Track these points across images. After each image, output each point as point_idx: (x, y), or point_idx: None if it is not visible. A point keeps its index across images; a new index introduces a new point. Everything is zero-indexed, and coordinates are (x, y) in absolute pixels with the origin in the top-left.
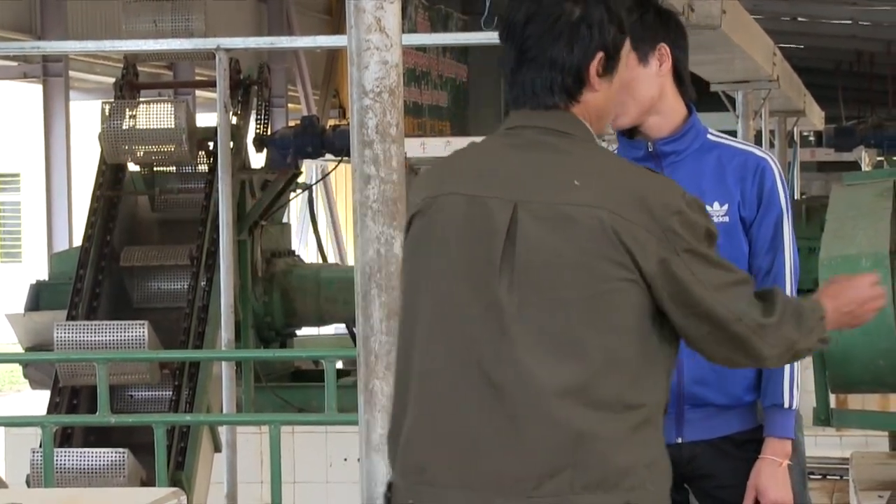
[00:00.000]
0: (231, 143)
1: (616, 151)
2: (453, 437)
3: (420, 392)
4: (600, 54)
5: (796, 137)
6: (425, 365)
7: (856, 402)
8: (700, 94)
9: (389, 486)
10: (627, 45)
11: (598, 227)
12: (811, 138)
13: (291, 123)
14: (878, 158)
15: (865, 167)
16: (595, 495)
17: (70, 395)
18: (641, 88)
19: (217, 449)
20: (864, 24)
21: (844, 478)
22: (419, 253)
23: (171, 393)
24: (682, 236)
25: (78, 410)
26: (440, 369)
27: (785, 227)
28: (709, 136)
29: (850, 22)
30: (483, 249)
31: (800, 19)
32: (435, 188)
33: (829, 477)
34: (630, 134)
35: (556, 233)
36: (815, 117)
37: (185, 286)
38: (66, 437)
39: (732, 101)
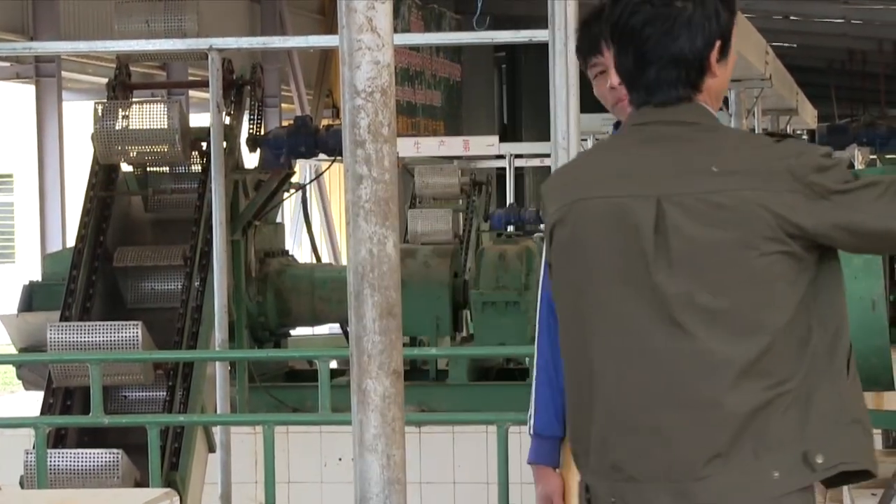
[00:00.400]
0: (224, 144)
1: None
2: (644, 430)
3: (604, 392)
4: (718, 42)
5: None
6: (605, 366)
7: None
8: None
9: (587, 488)
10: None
11: (746, 207)
12: (804, 137)
13: (285, 123)
14: (871, 157)
15: (858, 165)
16: (767, 460)
17: (63, 396)
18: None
19: (211, 449)
20: (856, 22)
21: None
22: (572, 261)
23: (164, 393)
24: (824, 183)
25: (71, 411)
26: (620, 368)
27: None
28: None
29: (841, 21)
30: (634, 247)
31: (792, 18)
32: (570, 195)
33: None
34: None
35: (707, 220)
36: (808, 116)
37: (179, 286)
38: (59, 438)
39: (725, 99)
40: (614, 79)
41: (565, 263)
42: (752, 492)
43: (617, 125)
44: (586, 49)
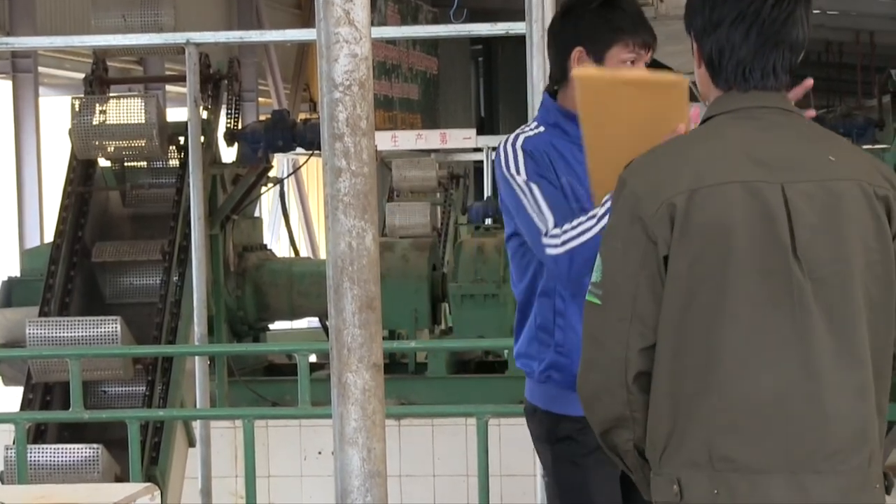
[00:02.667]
0: (202, 138)
1: (545, 125)
2: (770, 419)
3: (730, 379)
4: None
5: None
6: (735, 352)
7: None
8: None
9: (677, 481)
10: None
11: (864, 198)
12: None
13: (262, 117)
14: None
15: None
16: (876, 466)
17: (43, 392)
18: None
19: (191, 444)
20: (833, 13)
21: None
22: (696, 246)
23: (144, 388)
24: None
25: (51, 407)
26: (750, 355)
27: None
28: None
29: (818, 12)
30: (771, 234)
31: None
32: (694, 180)
33: None
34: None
35: (830, 209)
36: None
37: (158, 281)
38: (39, 434)
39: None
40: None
41: (687, 250)
42: (864, 498)
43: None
44: (644, 40)
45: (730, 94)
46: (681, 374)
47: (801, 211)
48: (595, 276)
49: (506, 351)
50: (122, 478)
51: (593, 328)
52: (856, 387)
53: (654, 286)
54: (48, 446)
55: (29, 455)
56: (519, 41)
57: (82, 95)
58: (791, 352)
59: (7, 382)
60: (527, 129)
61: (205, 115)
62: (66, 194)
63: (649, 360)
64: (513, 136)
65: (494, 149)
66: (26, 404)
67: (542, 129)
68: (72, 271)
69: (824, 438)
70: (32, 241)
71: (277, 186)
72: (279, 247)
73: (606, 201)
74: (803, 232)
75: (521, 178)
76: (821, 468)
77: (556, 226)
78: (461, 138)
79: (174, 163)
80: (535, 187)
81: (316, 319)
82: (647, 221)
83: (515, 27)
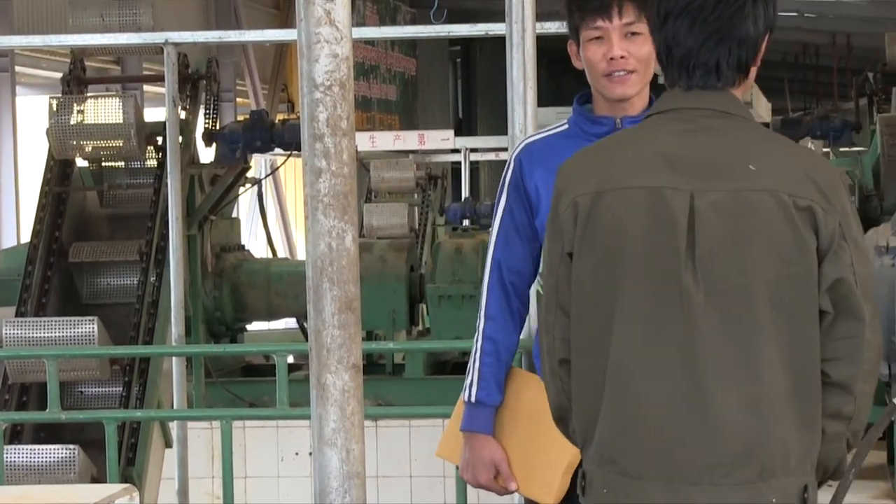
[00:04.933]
0: (180, 138)
1: (570, 124)
2: (646, 428)
3: (615, 385)
4: (768, 32)
5: None
6: (620, 358)
7: None
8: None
9: (583, 475)
10: (642, 21)
11: (780, 211)
12: None
13: (240, 118)
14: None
15: None
16: (779, 480)
17: (19, 392)
18: (651, 67)
19: (168, 444)
20: (810, 16)
21: None
22: (600, 249)
23: (121, 389)
24: (849, 218)
25: (27, 407)
26: (634, 363)
27: None
28: None
29: (795, 14)
30: (667, 242)
31: None
32: (602, 181)
33: None
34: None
35: (739, 221)
36: (762, 109)
37: (135, 281)
38: (15, 434)
39: None
40: (617, 50)
41: (590, 253)
42: None
43: (585, 99)
44: (595, 9)
45: (672, 92)
46: (583, 373)
47: (706, 221)
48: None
49: None
50: (98, 479)
51: (538, 317)
52: (745, 401)
53: (570, 279)
54: (24, 447)
55: (5, 456)
56: (497, 42)
57: (60, 95)
58: (676, 362)
59: None
60: (551, 127)
61: (183, 115)
62: (44, 194)
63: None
64: (522, 139)
65: (472, 150)
66: (2, 405)
67: (566, 126)
68: (49, 271)
69: (704, 451)
70: (9, 242)
71: (255, 187)
72: (256, 245)
73: None
74: (705, 242)
75: (503, 201)
76: (698, 480)
77: (492, 265)
78: (439, 139)
79: (152, 163)
80: (498, 216)
81: (293, 320)
82: (560, 217)
83: (495, 28)
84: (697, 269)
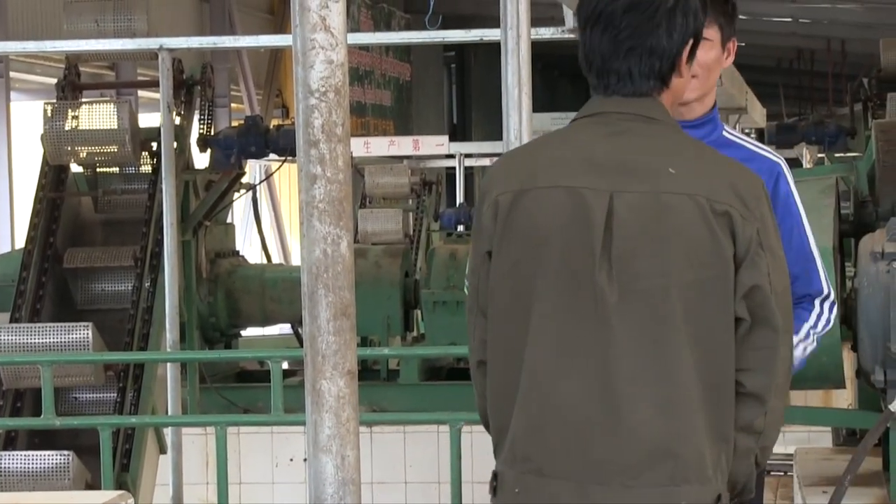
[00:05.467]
0: (174, 144)
1: None
2: (559, 427)
3: (529, 384)
4: (691, 41)
5: None
6: (534, 358)
7: (799, 397)
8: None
9: (495, 476)
10: (712, 27)
11: (698, 214)
12: (753, 135)
13: (235, 123)
14: (819, 155)
15: (806, 164)
16: (692, 486)
17: (14, 398)
18: (715, 73)
19: (162, 450)
20: (805, 21)
21: (788, 473)
22: (516, 247)
23: (115, 395)
24: (767, 227)
25: (22, 413)
26: (548, 362)
27: (807, 232)
28: (724, 132)
29: (790, 20)
30: (583, 242)
31: (741, 17)
32: (525, 181)
33: (773, 473)
34: None
35: (655, 222)
36: (757, 114)
37: (130, 287)
38: (9, 441)
39: None
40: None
41: (509, 250)
42: None
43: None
44: None
45: (596, 97)
46: (499, 372)
47: (623, 221)
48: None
49: None
50: (92, 485)
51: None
52: (657, 403)
53: (489, 279)
54: (19, 453)
55: (0, 462)
56: (492, 48)
57: (54, 101)
58: (589, 361)
59: None
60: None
61: (177, 120)
62: (38, 200)
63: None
64: None
65: (467, 155)
66: None
67: None
68: (43, 277)
69: (613, 451)
70: (3, 247)
71: (250, 192)
72: (251, 251)
73: None
74: (621, 242)
75: None
76: (607, 480)
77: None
78: (434, 145)
79: (146, 168)
80: None
81: (288, 326)
82: (482, 216)
83: (490, 34)
84: (613, 269)
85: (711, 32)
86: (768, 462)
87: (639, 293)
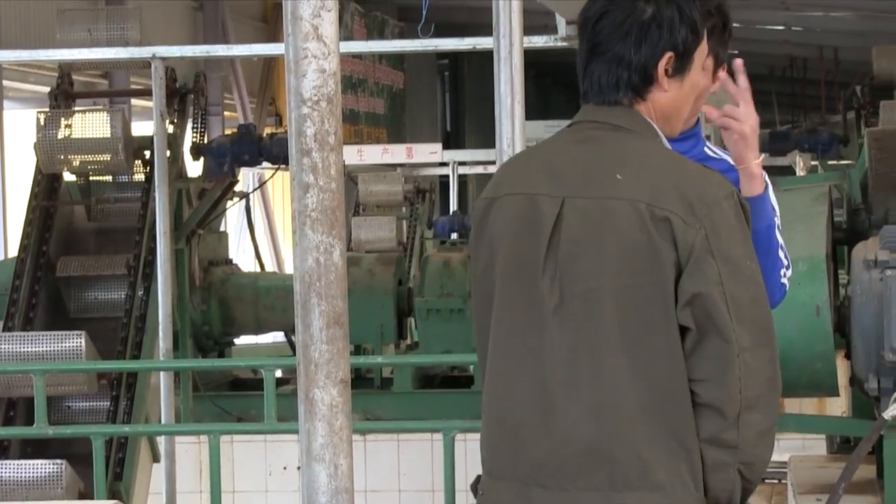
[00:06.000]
0: (167, 152)
1: None
2: (505, 428)
3: (486, 389)
4: (669, 54)
5: None
6: (491, 359)
7: (793, 405)
8: None
9: (477, 479)
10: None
11: (637, 220)
12: None
13: (228, 131)
14: (812, 163)
15: (799, 171)
16: (638, 493)
17: (6, 407)
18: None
19: (156, 459)
20: (797, 29)
21: (783, 481)
22: (485, 254)
23: (108, 403)
24: (721, 235)
25: (14, 422)
26: (497, 366)
27: (776, 236)
28: (705, 148)
29: (783, 27)
30: (532, 245)
31: (734, 24)
32: (495, 189)
33: (767, 481)
34: None
35: (596, 226)
36: None
37: (123, 296)
38: (2, 450)
39: None
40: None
41: (480, 255)
42: None
43: None
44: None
45: (582, 106)
46: (481, 375)
47: (569, 225)
48: None
49: (472, 366)
50: (85, 494)
51: None
52: (589, 407)
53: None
54: (11, 462)
55: None
56: (485, 56)
57: (47, 109)
58: (529, 365)
59: None
60: None
61: (170, 129)
62: (31, 208)
63: None
64: None
65: (460, 163)
66: None
67: None
68: (36, 286)
69: (549, 454)
70: None
71: (243, 200)
72: (244, 258)
73: None
74: (566, 247)
75: None
76: (546, 483)
77: None
78: (427, 153)
79: (139, 177)
80: None
81: (281, 334)
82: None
83: (482, 42)
84: (557, 273)
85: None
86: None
87: (576, 297)
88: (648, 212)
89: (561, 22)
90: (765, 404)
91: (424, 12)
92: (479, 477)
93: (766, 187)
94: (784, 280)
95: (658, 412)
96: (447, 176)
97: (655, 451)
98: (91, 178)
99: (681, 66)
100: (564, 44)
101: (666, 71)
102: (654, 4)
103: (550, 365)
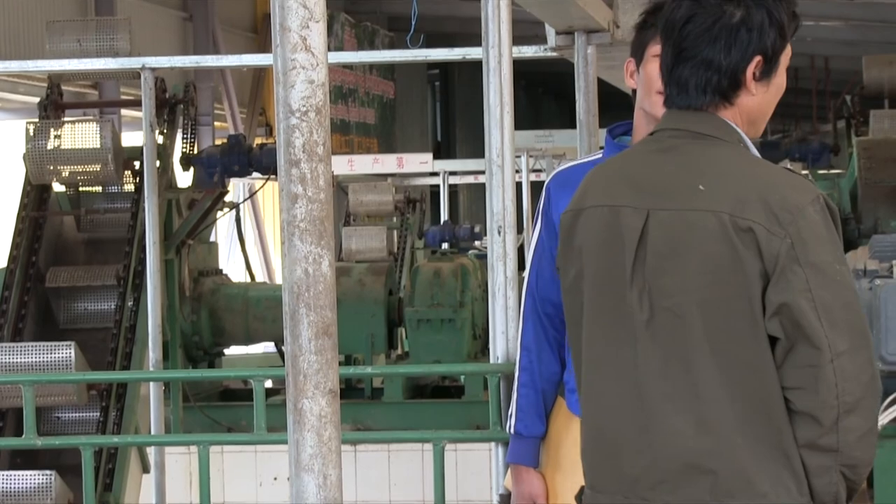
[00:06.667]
0: (157, 163)
1: (603, 154)
2: (604, 441)
3: (583, 400)
4: (758, 58)
5: None
6: (585, 374)
7: None
8: (629, 110)
9: (580, 491)
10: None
11: (721, 231)
12: None
13: (218, 142)
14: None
15: None
16: (739, 502)
17: None
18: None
19: (145, 470)
20: None
21: None
22: (574, 265)
23: (98, 414)
24: (807, 242)
25: (3, 433)
26: (595, 376)
27: None
28: None
29: None
30: (618, 258)
31: None
32: (580, 201)
33: None
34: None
35: (680, 240)
36: None
37: (113, 306)
38: None
39: None
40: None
41: (569, 268)
42: None
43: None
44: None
45: (665, 112)
46: (577, 387)
47: (654, 239)
48: None
49: (462, 376)
50: None
51: None
52: (690, 420)
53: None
54: (0, 473)
55: None
56: (475, 65)
57: (37, 120)
58: (625, 379)
59: None
60: (585, 156)
61: (160, 139)
62: (20, 219)
63: None
64: (557, 167)
65: (451, 173)
66: None
67: (599, 156)
68: (25, 296)
69: (648, 468)
70: None
71: (233, 211)
72: (235, 268)
73: None
74: (652, 260)
75: (536, 230)
76: (647, 496)
77: (527, 295)
78: (418, 162)
79: (129, 187)
80: (532, 245)
81: (271, 344)
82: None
83: (472, 52)
84: (645, 286)
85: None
86: None
87: (665, 310)
88: (732, 223)
89: (550, 32)
90: (864, 407)
91: (413, 22)
92: (582, 488)
93: None
94: None
95: (755, 422)
96: (438, 186)
97: (756, 460)
98: (81, 188)
99: (768, 69)
100: (554, 54)
101: (754, 74)
102: (743, 8)
103: (646, 379)
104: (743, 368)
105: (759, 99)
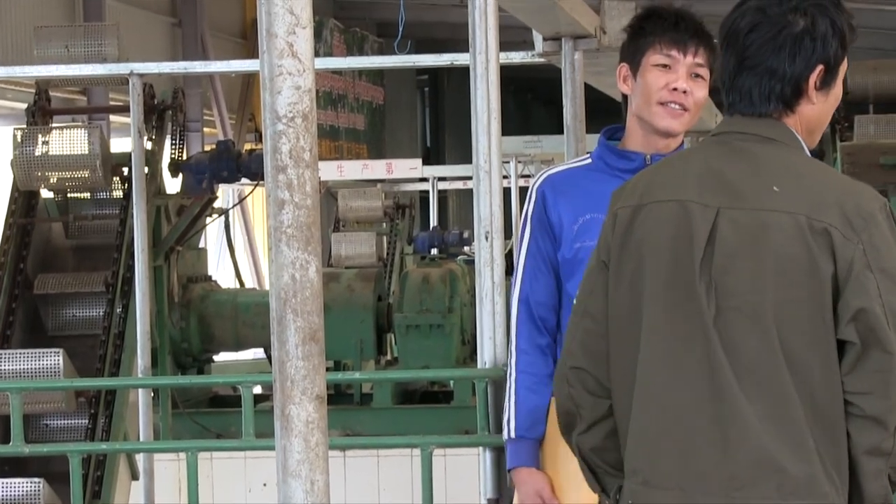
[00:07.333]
0: (146, 169)
1: (593, 157)
2: (671, 438)
3: (640, 394)
4: (821, 67)
5: None
6: (645, 367)
7: None
8: (616, 115)
9: (618, 489)
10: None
11: (796, 233)
12: None
13: (207, 148)
14: None
15: None
16: (803, 502)
17: None
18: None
19: (134, 476)
20: None
21: None
22: (633, 258)
23: (87, 421)
24: (879, 248)
25: None
26: (656, 375)
27: None
28: None
29: None
30: (687, 254)
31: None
32: (641, 197)
33: None
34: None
35: (753, 239)
36: None
37: (101, 313)
38: None
39: None
40: (683, 83)
41: (626, 263)
42: None
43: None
44: (673, 39)
45: (724, 118)
46: (620, 386)
47: (724, 237)
48: None
49: (451, 381)
50: None
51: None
52: (764, 418)
53: (606, 287)
54: None
55: None
56: (464, 71)
57: (24, 126)
58: (696, 375)
59: None
60: (571, 161)
61: (149, 145)
62: (8, 225)
63: (592, 358)
64: (543, 171)
65: (440, 179)
66: None
67: (588, 160)
68: (13, 303)
69: (720, 463)
70: None
71: (222, 217)
72: (224, 274)
73: None
74: (721, 259)
75: (527, 235)
76: (713, 491)
77: (520, 302)
78: (407, 168)
79: (118, 193)
80: (522, 251)
81: (261, 350)
82: (604, 227)
83: (460, 58)
84: (713, 284)
85: (706, 72)
86: None
87: (733, 310)
88: (808, 224)
89: (538, 38)
90: None
91: (401, 28)
92: (619, 486)
93: None
94: None
95: (818, 423)
96: (427, 191)
97: (821, 461)
98: (69, 194)
99: (829, 78)
100: (541, 59)
101: (815, 84)
102: (807, 17)
103: (718, 377)
104: (810, 370)
105: (819, 108)
